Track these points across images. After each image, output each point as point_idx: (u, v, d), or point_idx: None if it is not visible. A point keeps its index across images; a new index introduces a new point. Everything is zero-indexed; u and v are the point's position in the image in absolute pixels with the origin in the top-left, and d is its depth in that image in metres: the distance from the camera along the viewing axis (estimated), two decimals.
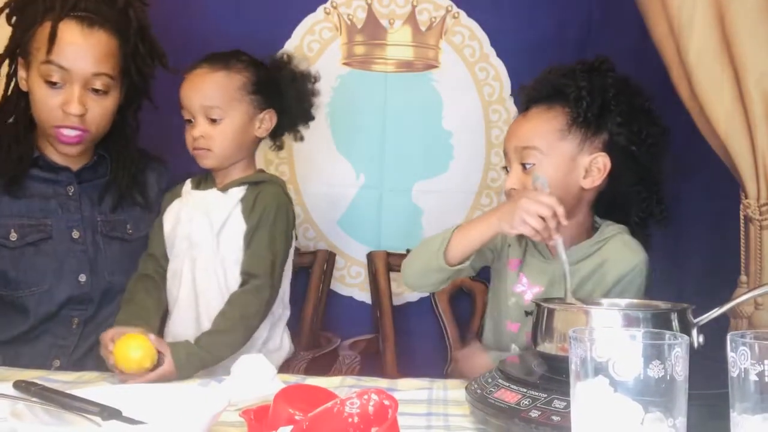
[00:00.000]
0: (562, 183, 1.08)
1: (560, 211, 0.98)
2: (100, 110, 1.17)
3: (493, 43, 1.68)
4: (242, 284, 1.18)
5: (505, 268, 1.17)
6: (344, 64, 1.68)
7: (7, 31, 1.19)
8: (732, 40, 1.46)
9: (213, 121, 1.20)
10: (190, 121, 1.22)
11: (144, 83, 1.25)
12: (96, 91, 1.15)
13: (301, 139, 1.32)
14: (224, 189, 1.23)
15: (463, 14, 1.68)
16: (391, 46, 1.68)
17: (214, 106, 1.20)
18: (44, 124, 1.16)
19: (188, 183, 1.27)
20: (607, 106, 1.11)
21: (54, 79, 1.12)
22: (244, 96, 1.22)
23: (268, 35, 1.60)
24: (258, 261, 1.18)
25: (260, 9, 1.64)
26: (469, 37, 1.69)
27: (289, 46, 1.63)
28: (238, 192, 1.22)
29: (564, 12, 1.66)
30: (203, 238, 1.20)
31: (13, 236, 1.16)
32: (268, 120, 1.26)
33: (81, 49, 1.13)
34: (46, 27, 1.12)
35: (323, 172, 1.67)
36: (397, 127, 1.68)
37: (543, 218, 0.97)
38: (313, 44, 1.67)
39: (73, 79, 1.13)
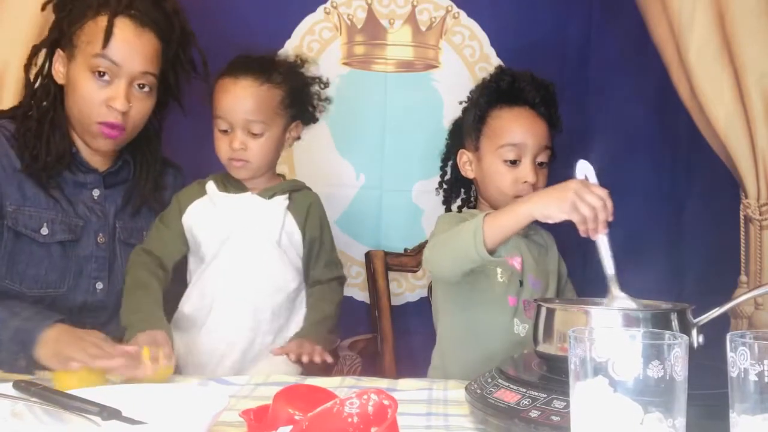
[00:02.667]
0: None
1: (610, 204, 0.96)
2: (141, 109, 1.18)
3: (493, 43, 1.68)
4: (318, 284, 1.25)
5: None
6: (344, 64, 1.68)
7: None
8: (732, 40, 1.47)
9: (253, 134, 1.20)
10: (225, 131, 1.21)
11: (177, 89, 1.27)
12: (141, 87, 1.17)
13: (298, 138, 1.32)
14: (265, 195, 1.24)
15: (463, 14, 1.68)
16: (391, 46, 1.68)
17: (257, 120, 1.20)
18: (86, 120, 1.16)
19: (211, 184, 1.25)
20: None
21: (102, 69, 1.13)
22: (283, 110, 1.23)
23: (268, 35, 1.60)
24: (334, 262, 1.28)
25: (260, 9, 1.64)
26: (469, 37, 1.69)
27: (289, 46, 1.63)
28: (284, 200, 1.24)
29: (564, 12, 1.66)
30: (258, 246, 1.20)
31: (45, 231, 1.15)
32: (295, 130, 1.28)
33: (134, 47, 1.14)
34: (99, 21, 1.13)
35: (323, 172, 1.67)
36: (397, 127, 1.68)
37: (594, 209, 0.95)
38: (313, 44, 1.67)
39: (122, 74, 1.14)
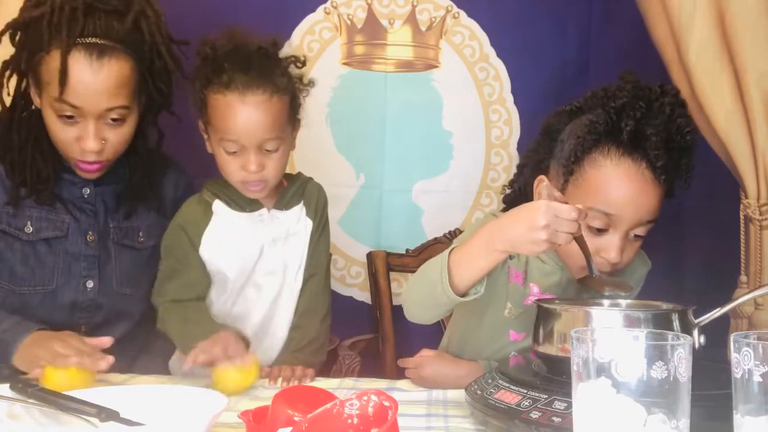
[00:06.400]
0: None
1: (582, 214, 0.84)
2: (117, 138, 1.13)
3: (493, 43, 1.68)
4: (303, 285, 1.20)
5: (504, 283, 1.07)
6: (344, 64, 1.67)
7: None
8: (732, 40, 1.47)
9: (268, 151, 1.10)
10: (234, 152, 1.10)
11: (162, 98, 1.20)
12: (114, 119, 1.11)
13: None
14: (281, 207, 1.18)
15: (463, 14, 1.68)
16: (391, 46, 1.68)
17: (273, 138, 1.09)
18: (63, 153, 1.14)
19: (220, 204, 1.16)
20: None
21: (68, 115, 1.08)
22: (291, 115, 1.14)
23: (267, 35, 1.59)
24: (320, 260, 1.21)
25: (260, 9, 1.63)
26: (469, 37, 1.68)
27: (289, 47, 1.63)
28: (301, 208, 1.20)
29: (564, 12, 1.66)
30: (287, 266, 1.18)
31: (29, 229, 1.13)
32: (297, 128, 1.18)
33: (92, 87, 1.06)
34: (54, 57, 1.05)
35: (323, 172, 1.66)
36: (397, 127, 1.68)
37: (570, 234, 0.84)
38: (313, 44, 1.67)
39: (87, 115, 1.08)
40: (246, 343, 1.06)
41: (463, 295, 0.91)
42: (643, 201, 0.95)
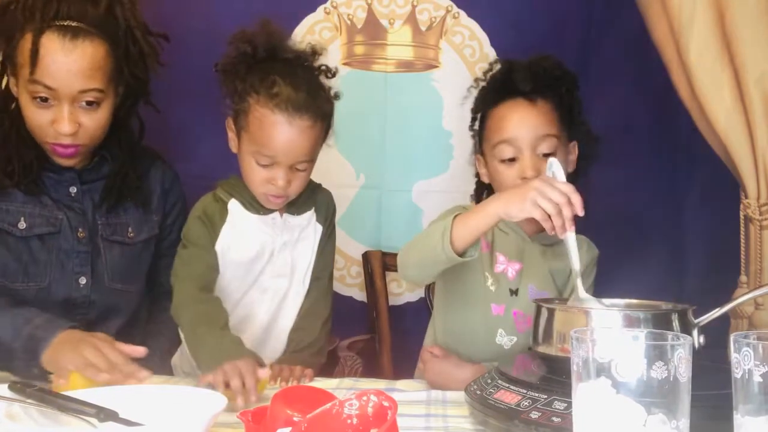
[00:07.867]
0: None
1: (576, 199, 0.91)
2: (92, 123, 1.12)
3: (493, 43, 1.68)
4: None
5: (480, 254, 1.09)
6: (344, 64, 1.67)
7: None
8: (732, 40, 1.47)
9: (297, 170, 1.12)
10: (265, 165, 1.10)
11: (139, 85, 1.19)
12: (89, 103, 1.11)
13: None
14: (293, 212, 1.19)
15: (463, 14, 1.68)
16: (391, 46, 1.68)
17: (308, 160, 1.12)
18: (38, 139, 1.14)
19: (236, 204, 1.16)
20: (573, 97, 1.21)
21: (42, 97, 1.08)
22: (325, 136, 1.16)
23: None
24: (325, 265, 1.22)
25: (259, 9, 1.63)
26: (469, 37, 1.68)
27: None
28: (312, 214, 1.21)
29: (564, 12, 1.66)
30: (295, 269, 1.18)
31: (22, 225, 1.14)
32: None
33: (64, 68, 1.06)
34: (28, 39, 1.06)
35: (323, 172, 1.66)
36: (397, 127, 1.68)
37: (557, 205, 0.90)
38: None
39: (61, 96, 1.08)
40: (261, 365, 1.00)
41: (460, 255, 0.99)
42: (530, 121, 1.14)
